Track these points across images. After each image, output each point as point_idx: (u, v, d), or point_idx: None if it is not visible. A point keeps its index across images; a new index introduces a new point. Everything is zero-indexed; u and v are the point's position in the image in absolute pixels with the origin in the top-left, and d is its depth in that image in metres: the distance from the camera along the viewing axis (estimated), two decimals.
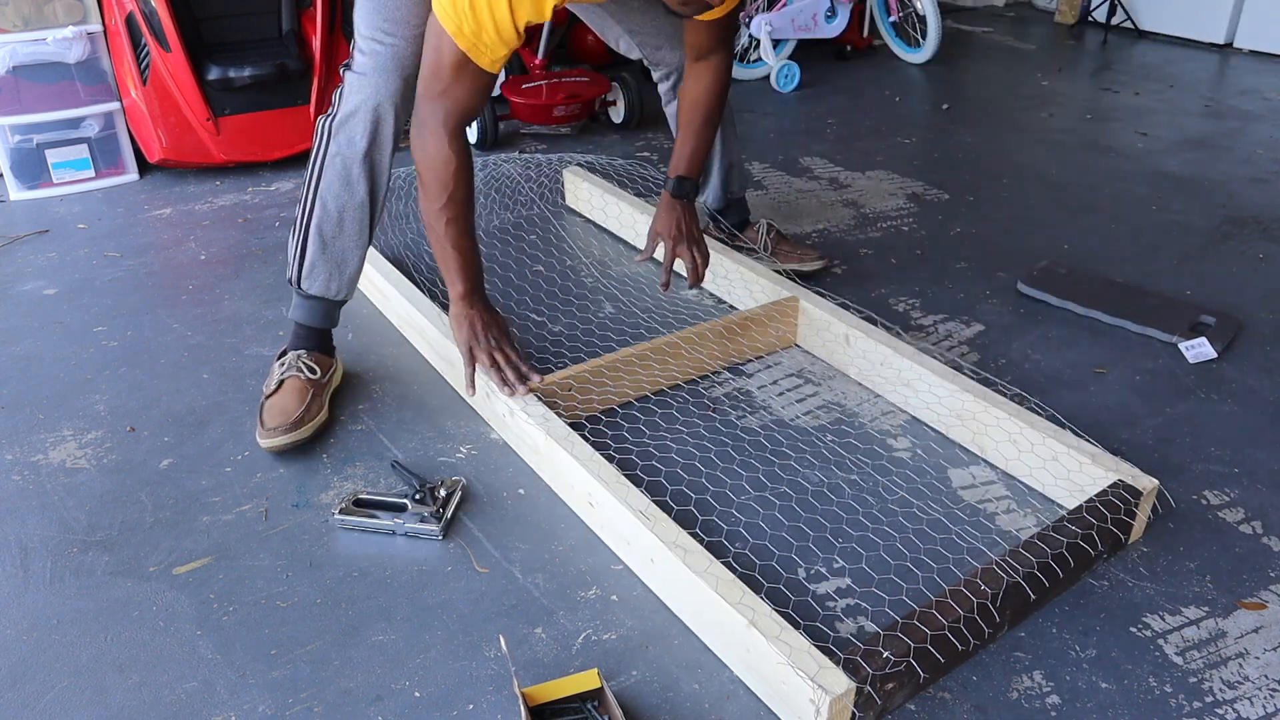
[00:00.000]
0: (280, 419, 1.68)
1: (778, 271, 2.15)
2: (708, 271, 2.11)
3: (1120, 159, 3.09)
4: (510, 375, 1.63)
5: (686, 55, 1.86)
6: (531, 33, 3.37)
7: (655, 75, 2.12)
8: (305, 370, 1.76)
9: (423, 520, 1.48)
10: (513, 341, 1.70)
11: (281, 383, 1.74)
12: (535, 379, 1.64)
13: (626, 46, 2.07)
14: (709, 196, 2.29)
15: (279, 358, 1.80)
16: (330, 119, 1.71)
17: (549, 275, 2.29)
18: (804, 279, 2.22)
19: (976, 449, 1.66)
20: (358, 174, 1.70)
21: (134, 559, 1.45)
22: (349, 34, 2.84)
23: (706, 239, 2.15)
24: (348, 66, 1.72)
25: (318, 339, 1.83)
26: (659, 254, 2.29)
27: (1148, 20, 4.69)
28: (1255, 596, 1.40)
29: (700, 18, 1.67)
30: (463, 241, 1.62)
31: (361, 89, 1.67)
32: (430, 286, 2.18)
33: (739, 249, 2.30)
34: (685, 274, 1.89)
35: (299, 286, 1.79)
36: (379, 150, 1.70)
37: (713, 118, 1.87)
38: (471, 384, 1.69)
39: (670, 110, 2.15)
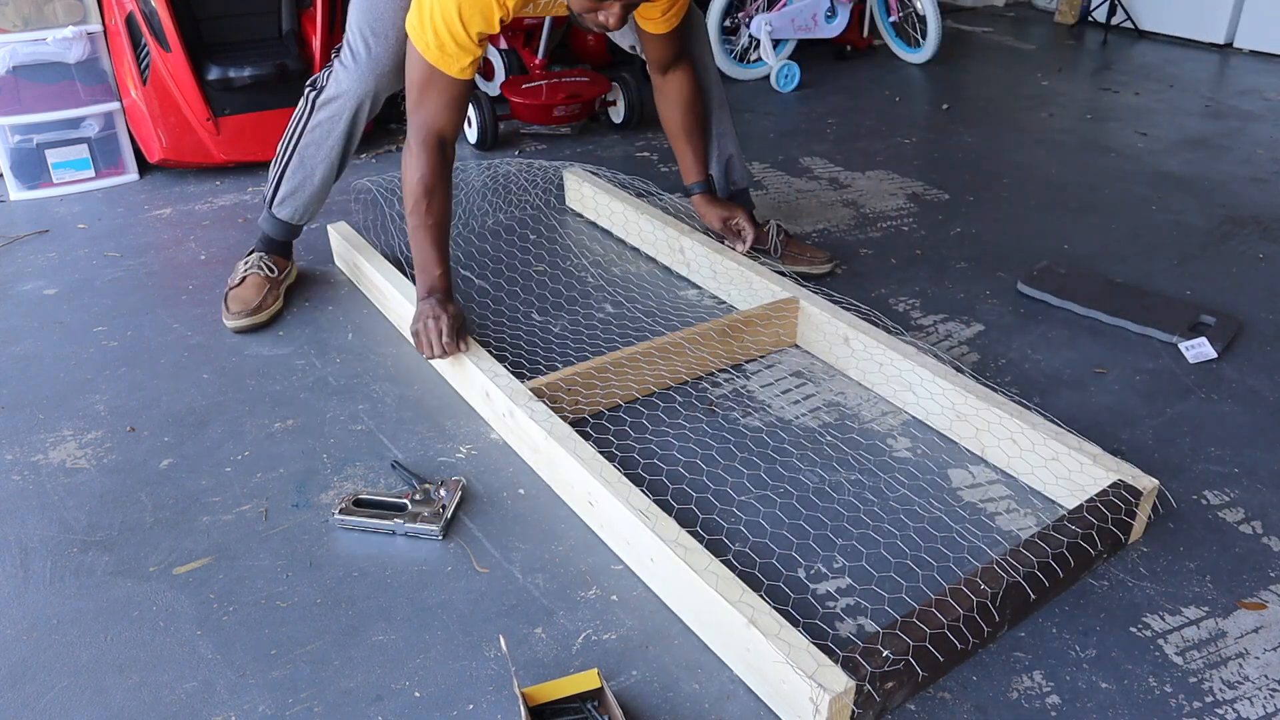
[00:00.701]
0: (242, 306, 2.03)
1: (779, 273, 2.15)
2: (708, 271, 2.17)
3: (1120, 159, 3.09)
4: (432, 339, 1.73)
5: (652, 71, 2.05)
6: (531, 32, 3.37)
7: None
8: (265, 269, 2.09)
9: (423, 520, 1.48)
10: (454, 322, 1.75)
11: (245, 278, 2.08)
12: (453, 345, 1.72)
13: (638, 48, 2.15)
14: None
15: (245, 256, 2.13)
16: (316, 94, 2.01)
17: (549, 275, 2.29)
18: (807, 280, 2.22)
19: (976, 449, 1.66)
20: (332, 143, 2.02)
21: (134, 559, 1.45)
22: None
23: (710, 237, 2.21)
24: (337, 52, 1.99)
25: (279, 245, 2.16)
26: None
27: (1148, 20, 4.69)
28: (1255, 596, 1.40)
29: (651, 30, 1.91)
30: (429, 252, 1.78)
31: (345, 82, 1.96)
32: None
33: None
34: (744, 235, 2.14)
35: (270, 209, 2.11)
36: (353, 127, 2.01)
37: (699, 121, 2.12)
38: (424, 348, 1.75)
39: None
